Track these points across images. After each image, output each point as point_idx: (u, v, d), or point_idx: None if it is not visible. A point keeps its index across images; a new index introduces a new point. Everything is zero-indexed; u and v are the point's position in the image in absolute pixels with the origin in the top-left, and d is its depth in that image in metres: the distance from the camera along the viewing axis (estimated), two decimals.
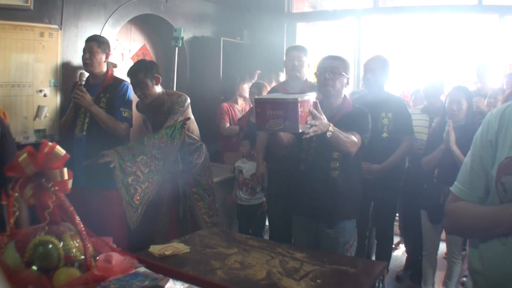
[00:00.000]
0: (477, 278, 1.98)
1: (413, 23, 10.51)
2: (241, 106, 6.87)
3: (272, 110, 2.96)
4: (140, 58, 6.89)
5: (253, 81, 6.73)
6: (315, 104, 3.17)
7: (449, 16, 9.18)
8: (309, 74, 5.14)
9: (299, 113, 2.91)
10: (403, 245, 6.14)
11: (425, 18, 9.71)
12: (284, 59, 5.16)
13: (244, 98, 6.88)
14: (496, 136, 1.91)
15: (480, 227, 1.91)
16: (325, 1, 11.08)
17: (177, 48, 6.40)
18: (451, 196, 2.07)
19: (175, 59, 6.37)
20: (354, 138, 3.48)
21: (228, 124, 6.62)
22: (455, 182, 2.07)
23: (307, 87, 4.86)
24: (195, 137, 4.71)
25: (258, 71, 7.45)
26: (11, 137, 3.56)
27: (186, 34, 7.02)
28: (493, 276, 1.87)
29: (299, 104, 2.90)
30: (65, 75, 5.50)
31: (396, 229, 5.65)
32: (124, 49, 6.85)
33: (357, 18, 7.80)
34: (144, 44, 7.22)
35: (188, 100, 4.64)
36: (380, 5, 7.98)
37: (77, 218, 1.81)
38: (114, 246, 2.08)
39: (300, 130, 2.98)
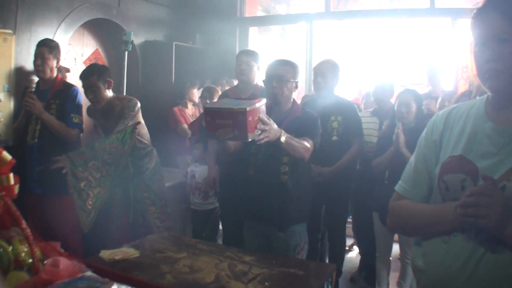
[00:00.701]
0: (420, 277, 2.01)
1: (366, 27, 10.63)
2: (191, 110, 6.85)
3: (221, 119, 2.97)
4: (92, 62, 6.89)
5: (205, 86, 6.73)
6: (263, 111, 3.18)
7: (402, 20, 9.31)
8: (259, 78, 5.15)
9: (248, 122, 2.91)
10: (357, 246, 6.19)
11: (378, 22, 9.84)
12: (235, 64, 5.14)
13: (194, 103, 6.86)
14: (440, 136, 1.97)
15: (422, 225, 1.96)
16: (278, 5, 11.16)
17: (127, 52, 6.37)
18: (395, 194, 2.12)
19: (124, 63, 6.33)
20: (307, 143, 3.52)
21: (186, 126, 6.57)
22: (400, 181, 2.13)
23: (258, 92, 4.88)
24: (145, 141, 4.69)
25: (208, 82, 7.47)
26: None
27: (139, 39, 7.01)
28: (434, 274, 1.89)
29: (247, 113, 2.90)
30: (19, 80, 5.48)
31: (350, 231, 5.68)
32: (77, 54, 6.84)
33: (309, 22, 7.83)
34: (97, 49, 7.20)
35: (138, 105, 4.63)
36: (332, 10, 8.00)
37: (24, 222, 1.82)
38: (62, 250, 2.08)
39: (250, 139, 2.99)
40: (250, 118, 2.94)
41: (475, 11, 1.80)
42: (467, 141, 1.87)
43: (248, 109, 2.91)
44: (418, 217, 1.98)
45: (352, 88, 9.54)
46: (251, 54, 5.10)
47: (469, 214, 1.67)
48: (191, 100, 6.86)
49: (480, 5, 1.80)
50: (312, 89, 6.65)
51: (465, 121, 1.92)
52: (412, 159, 2.10)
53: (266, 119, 3.14)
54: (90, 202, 4.12)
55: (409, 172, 2.09)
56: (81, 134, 4.80)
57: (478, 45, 1.80)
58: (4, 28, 5.30)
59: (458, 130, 1.92)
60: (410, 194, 2.05)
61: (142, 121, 4.72)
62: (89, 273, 2.00)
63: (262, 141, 3.11)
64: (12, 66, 5.41)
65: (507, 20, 1.72)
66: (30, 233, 1.81)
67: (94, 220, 4.14)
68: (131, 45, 6.34)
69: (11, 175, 1.83)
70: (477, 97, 1.98)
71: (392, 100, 5.09)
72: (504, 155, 1.76)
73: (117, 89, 5.92)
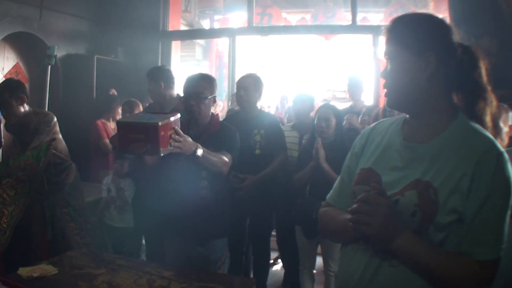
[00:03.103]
0: (335, 281, 2.08)
1: (290, 42, 10.77)
2: (114, 125, 6.77)
3: (133, 134, 2.97)
4: (13, 76, 6.84)
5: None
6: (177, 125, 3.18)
7: (325, 36, 9.48)
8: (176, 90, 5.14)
9: (160, 136, 2.91)
10: (281, 260, 6.21)
11: (301, 38, 9.98)
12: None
13: (116, 120, 6.78)
14: (362, 149, 2.04)
15: (336, 231, 2.05)
16: (202, 20, 11.19)
17: (50, 66, 6.25)
18: (325, 202, 2.18)
19: (47, 77, 6.20)
20: (225, 158, 3.54)
21: (108, 141, 6.47)
22: (331, 190, 2.18)
23: (180, 103, 4.86)
24: (63, 156, 4.60)
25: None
26: None
27: (60, 52, 6.93)
28: (341, 281, 1.96)
29: (159, 128, 2.89)
30: None
31: (274, 244, 5.70)
32: None
33: (232, 37, 7.86)
34: (18, 62, 7.08)
35: (55, 119, 4.58)
36: (254, 25, 8.06)
37: None
38: None
39: (162, 154, 2.99)
40: (162, 133, 2.95)
41: (384, 29, 1.89)
42: (380, 154, 1.94)
43: (160, 123, 2.92)
44: (334, 223, 2.04)
45: (275, 102, 9.62)
46: (152, 74, 5.16)
47: (353, 220, 1.74)
48: (114, 119, 6.77)
49: (387, 25, 1.91)
50: (230, 103, 6.70)
51: (384, 135, 1.99)
52: (342, 169, 2.16)
53: (180, 132, 3.14)
54: (5, 220, 4.02)
55: (337, 182, 2.15)
56: (1, 149, 4.68)
57: None
58: None
59: (376, 143, 1.99)
60: (336, 203, 2.11)
61: (60, 136, 4.67)
62: None
63: (175, 151, 3.12)
64: None
65: (395, 43, 1.85)
66: None
67: (10, 238, 4.03)
68: (54, 59, 6.23)
69: None
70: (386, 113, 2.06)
71: (312, 114, 5.13)
72: (408, 170, 1.82)
73: (38, 104, 5.82)
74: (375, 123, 2.12)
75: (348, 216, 1.79)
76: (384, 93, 1.94)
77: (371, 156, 1.96)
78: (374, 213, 1.69)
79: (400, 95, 1.86)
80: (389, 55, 1.87)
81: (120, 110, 6.73)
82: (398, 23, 1.88)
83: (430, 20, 1.85)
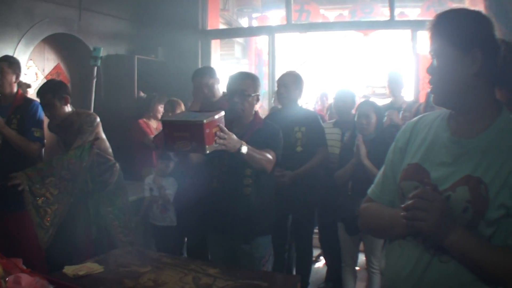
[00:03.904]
0: (382, 278, 2.07)
1: (328, 38, 10.73)
2: (156, 124, 6.80)
3: (178, 132, 2.98)
4: (54, 77, 6.85)
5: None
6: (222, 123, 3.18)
7: (364, 31, 9.42)
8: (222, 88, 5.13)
9: (205, 134, 2.91)
10: (323, 257, 6.19)
11: (339, 34, 9.93)
12: (192, 86, 5.10)
13: (157, 118, 6.80)
14: (406, 144, 2.03)
15: (382, 227, 2.05)
16: (241, 18, 11.20)
17: (96, 68, 6.31)
18: (366, 197, 2.18)
19: (93, 78, 6.27)
20: (269, 155, 3.53)
21: (152, 138, 6.49)
22: (372, 185, 2.18)
23: (224, 101, 4.86)
24: (107, 156, 4.66)
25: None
26: None
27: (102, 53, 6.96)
28: (389, 277, 1.96)
29: (204, 126, 2.90)
30: None
31: (316, 241, 5.69)
32: (38, 69, 6.76)
33: (271, 35, 7.85)
34: (58, 63, 7.14)
35: (97, 119, 4.59)
36: (293, 22, 8.03)
37: None
38: (24, 267, 2.05)
39: (208, 151, 2.99)
40: (207, 131, 2.95)
41: (429, 25, 1.87)
42: (426, 150, 1.92)
43: (205, 121, 2.92)
44: (379, 219, 2.06)
45: (315, 99, 9.58)
46: (207, 72, 5.09)
47: (408, 217, 1.73)
48: (155, 116, 6.80)
49: (431, 21, 1.89)
50: (273, 100, 6.69)
51: (428, 130, 1.98)
52: (384, 164, 2.15)
53: (225, 129, 3.15)
54: (48, 219, 4.08)
55: (379, 177, 2.15)
56: (43, 149, 4.78)
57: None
58: None
59: (421, 138, 1.98)
60: (378, 197, 2.11)
61: (103, 136, 4.69)
62: None
63: (219, 148, 3.12)
64: None
65: (441, 39, 1.83)
66: None
67: (53, 237, 4.09)
68: (100, 60, 6.29)
69: None
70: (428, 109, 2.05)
71: (354, 111, 5.11)
72: (457, 166, 1.81)
73: (82, 104, 5.89)
74: (418, 117, 2.11)
75: (401, 212, 1.78)
76: (430, 90, 1.93)
77: (417, 152, 1.95)
78: (430, 209, 1.68)
79: (447, 91, 1.85)
80: (434, 51, 1.86)
81: (160, 109, 6.76)
82: (443, 19, 1.86)
83: (475, 17, 1.84)
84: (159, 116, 6.74)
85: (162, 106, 6.69)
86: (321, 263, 6.52)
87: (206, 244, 4.04)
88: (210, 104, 4.96)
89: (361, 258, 4.90)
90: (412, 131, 2.04)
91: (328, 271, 5.75)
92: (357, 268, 4.85)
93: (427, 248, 1.79)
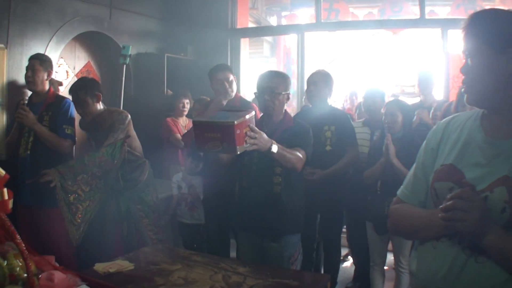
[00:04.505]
0: (412, 280, 2.08)
1: (357, 37, 10.68)
2: (184, 122, 6.82)
3: (209, 133, 2.97)
4: (84, 75, 6.89)
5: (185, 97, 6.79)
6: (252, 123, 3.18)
7: (393, 30, 9.34)
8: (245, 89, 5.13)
9: (236, 135, 2.91)
10: (351, 256, 6.18)
11: (369, 33, 9.87)
12: (210, 81, 5.09)
13: (179, 114, 6.81)
14: (438, 144, 2.02)
15: (414, 229, 2.03)
16: (270, 17, 11.19)
17: (125, 66, 6.35)
18: (396, 198, 2.18)
19: (122, 76, 6.30)
20: (299, 154, 3.52)
21: (180, 136, 6.56)
22: (402, 186, 2.17)
23: (238, 103, 4.91)
24: (137, 154, 4.69)
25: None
26: None
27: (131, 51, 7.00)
28: (423, 279, 1.95)
29: (235, 127, 2.90)
30: (11, 94, 5.46)
31: (344, 241, 5.68)
32: (69, 67, 6.81)
33: (300, 33, 7.83)
34: (89, 61, 7.18)
35: (129, 117, 4.63)
36: (323, 21, 8.00)
37: (18, 237, 1.81)
38: (57, 264, 2.07)
39: (239, 152, 2.99)
40: (238, 131, 2.94)
41: (463, 25, 1.86)
42: (460, 150, 1.91)
43: (236, 122, 2.91)
44: (411, 221, 2.04)
45: (344, 98, 9.55)
46: (225, 67, 5.09)
47: (448, 217, 1.71)
48: (179, 114, 6.81)
49: (465, 20, 1.88)
50: (303, 99, 6.67)
51: (461, 131, 1.96)
52: (414, 165, 2.14)
53: (256, 128, 3.14)
54: (80, 216, 4.13)
55: (410, 177, 2.14)
56: (74, 146, 4.82)
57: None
58: None
59: (454, 139, 1.96)
60: (409, 199, 2.10)
61: (134, 134, 4.72)
62: (84, 286, 2.00)
63: (251, 148, 3.11)
64: (4, 80, 5.39)
65: (476, 39, 1.82)
66: (24, 248, 1.80)
67: (84, 233, 4.15)
68: (128, 59, 6.33)
69: (5, 190, 1.82)
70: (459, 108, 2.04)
71: (383, 110, 5.09)
72: (492, 167, 1.80)
73: (112, 102, 5.93)
74: (449, 117, 2.09)
75: (435, 213, 1.78)
76: (463, 90, 1.92)
77: (450, 152, 1.94)
78: (470, 209, 1.67)
79: (481, 92, 1.84)
80: (469, 51, 1.85)
81: (182, 105, 6.78)
82: (477, 19, 1.85)
83: (510, 16, 1.82)
84: (184, 112, 6.77)
85: (183, 102, 6.72)
86: (348, 263, 6.52)
87: (227, 242, 4.04)
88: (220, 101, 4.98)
89: (388, 257, 4.87)
90: (444, 132, 2.02)
91: (356, 271, 5.74)
92: (385, 268, 4.83)
93: (463, 249, 1.78)
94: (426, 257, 1.93)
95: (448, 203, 1.72)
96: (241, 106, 4.35)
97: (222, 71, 4.98)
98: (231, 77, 4.96)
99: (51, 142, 4.56)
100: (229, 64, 7.54)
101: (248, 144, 3.05)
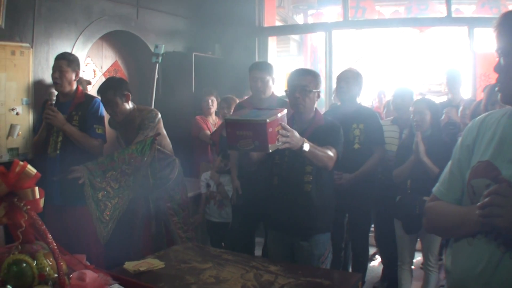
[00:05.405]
0: (448, 277, 2.07)
1: (384, 35, 10.63)
2: (214, 120, 6.84)
3: (241, 131, 2.96)
4: (112, 74, 6.92)
5: (212, 95, 6.82)
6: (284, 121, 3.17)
7: (420, 28, 9.29)
8: (275, 88, 5.11)
9: (268, 133, 2.90)
10: (379, 256, 6.16)
11: (396, 31, 9.82)
12: (249, 78, 5.05)
13: (205, 112, 6.83)
14: (474, 141, 2.01)
15: (450, 226, 2.02)
16: (296, 15, 11.18)
17: (157, 65, 6.37)
18: (431, 196, 2.17)
19: (154, 75, 6.34)
20: (330, 152, 3.50)
21: (209, 133, 6.56)
22: (437, 183, 2.17)
23: (275, 102, 4.86)
24: (167, 152, 4.70)
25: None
26: None
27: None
28: (458, 276, 1.95)
29: (267, 125, 2.89)
30: (37, 93, 5.49)
31: (372, 240, 5.66)
32: (96, 66, 6.85)
33: (328, 31, 7.81)
34: (116, 61, 7.22)
35: (159, 115, 4.63)
36: (350, 19, 7.99)
37: (50, 236, 1.80)
38: (88, 263, 2.08)
39: (270, 150, 2.97)
40: (270, 130, 2.92)
41: (494, 24, 1.86)
42: (496, 147, 1.90)
43: (268, 120, 2.89)
44: (447, 218, 2.04)
45: (372, 96, 9.52)
46: (265, 68, 5.02)
47: (485, 214, 1.70)
48: (206, 112, 6.83)
49: (497, 19, 1.87)
50: (333, 97, 6.66)
51: (496, 127, 1.95)
52: (449, 162, 2.14)
53: (288, 126, 3.14)
54: (108, 213, 4.11)
55: (445, 174, 2.14)
56: (104, 145, 4.80)
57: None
58: (21, 41, 5.33)
59: (489, 136, 1.95)
60: (445, 196, 2.10)
61: (164, 132, 4.72)
62: (116, 285, 2.01)
63: (283, 147, 3.09)
64: (30, 79, 5.43)
65: (510, 38, 1.81)
66: (55, 247, 1.80)
67: (112, 231, 4.13)
68: (161, 58, 6.35)
69: (36, 188, 1.82)
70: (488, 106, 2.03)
71: (411, 109, 5.08)
72: None
73: (142, 101, 5.97)
74: (484, 114, 2.08)
75: (472, 209, 1.77)
76: (497, 88, 1.91)
77: (486, 149, 1.93)
78: (506, 204, 1.66)
79: None
80: (501, 50, 1.83)
81: (204, 104, 6.79)
82: (510, 18, 1.84)
83: None
84: (210, 110, 6.78)
85: (208, 100, 6.73)
86: (376, 262, 6.49)
87: (252, 240, 4.02)
88: (259, 99, 4.99)
89: (417, 256, 4.85)
90: (479, 129, 2.01)
91: (384, 270, 5.72)
92: (412, 267, 4.81)
93: (498, 246, 1.77)
94: (462, 254, 1.93)
95: (486, 199, 1.70)
96: (278, 106, 4.33)
97: (258, 70, 4.95)
98: (267, 78, 4.90)
99: (82, 142, 4.54)
100: None
101: (280, 143, 3.04)
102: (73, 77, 4.66)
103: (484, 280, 1.79)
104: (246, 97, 5.65)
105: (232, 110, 5.71)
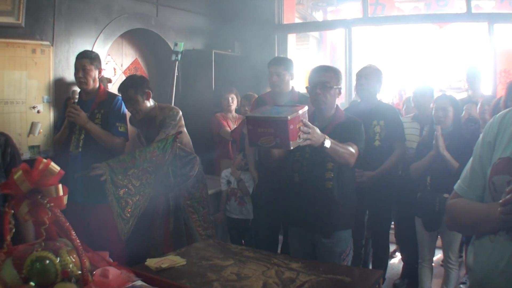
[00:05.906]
0: (470, 275, 2.07)
1: (403, 32, 10.59)
2: (234, 117, 6.84)
3: (262, 128, 2.96)
4: (132, 72, 6.92)
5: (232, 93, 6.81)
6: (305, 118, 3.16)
7: (439, 24, 9.24)
8: (295, 84, 5.11)
9: (290, 130, 2.90)
10: (399, 253, 6.14)
11: (415, 27, 9.77)
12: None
13: (225, 110, 6.82)
14: (495, 138, 2.00)
15: (472, 223, 2.02)
16: (315, 12, 11.16)
17: (177, 62, 6.38)
18: (453, 193, 2.17)
19: (174, 73, 6.36)
20: (352, 149, 3.49)
21: (229, 130, 6.56)
22: (458, 181, 2.16)
23: (296, 98, 4.89)
24: (188, 149, 4.70)
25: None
26: (19, 157, 3.46)
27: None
28: (480, 273, 1.95)
29: (288, 122, 2.88)
30: (58, 91, 5.51)
31: (392, 237, 5.65)
32: (116, 64, 6.87)
33: (347, 28, 7.78)
34: (136, 58, 7.23)
35: (180, 113, 4.65)
36: (369, 15, 7.95)
37: (73, 233, 1.81)
38: (111, 260, 2.09)
39: (292, 147, 2.97)
40: (291, 127, 2.92)
41: None
42: None
43: (289, 117, 2.89)
44: (468, 215, 2.03)
45: (392, 93, 9.49)
46: (282, 63, 5.05)
47: (507, 211, 1.70)
48: (226, 109, 6.83)
49: None
50: (354, 94, 6.64)
51: None
52: (470, 159, 2.13)
53: (309, 123, 3.13)
54: (129, 210, 4.13)
55: (466, 172, 2.13)
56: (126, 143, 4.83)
57: None
58: (42, 40, 5.35)
59: (510, 132, 1.95)
60: (465, 193, 2.09)
61: (185, 130, 4.74)
62: (139, 282, 2.01)
63: (304, 143, 3.09)
64: (51, 77, 5.45)
65: None
66: (79, 244, 1.81)
67: (132, 228, 4.15)
68: (181, 55, 6.35)
69: (60, 186, 1.83)
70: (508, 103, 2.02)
71: (432, 105, 5.05)
72: None
73: (162, 98, 5.99)
74: (505, 111, 2.07)
75: (494, 206, 1.77)
76: None
77: (508, 145, 1.92)
78: None
79: None
80: None
81: (224, 101, 6.79)
82: None
83: None
84: (230, 107, 6.78)
85: (228, 98, 6.72)
86: (396, 259, 6.47)
87: (276, 238, 4.02)
88: (277, 94, 5.01)
89: (438, 254, 4.83)
90: (500, 125, 2.01)
91: (404, 267, 5.70)
92: (433, 264, 4.80)
93: None
94: (484, 252, 1.92)
95: (507, 196, 1.70)
96: (300, 102, 4.33)
97: (274, 65, 4.99)
98: (283, 72, 4.93)
99: (104, 140, 4.56)
100: None
101: (301, 139, 3.04)
102: (96, 75, 4.71)
103: (506, 276, 1.79)
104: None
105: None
